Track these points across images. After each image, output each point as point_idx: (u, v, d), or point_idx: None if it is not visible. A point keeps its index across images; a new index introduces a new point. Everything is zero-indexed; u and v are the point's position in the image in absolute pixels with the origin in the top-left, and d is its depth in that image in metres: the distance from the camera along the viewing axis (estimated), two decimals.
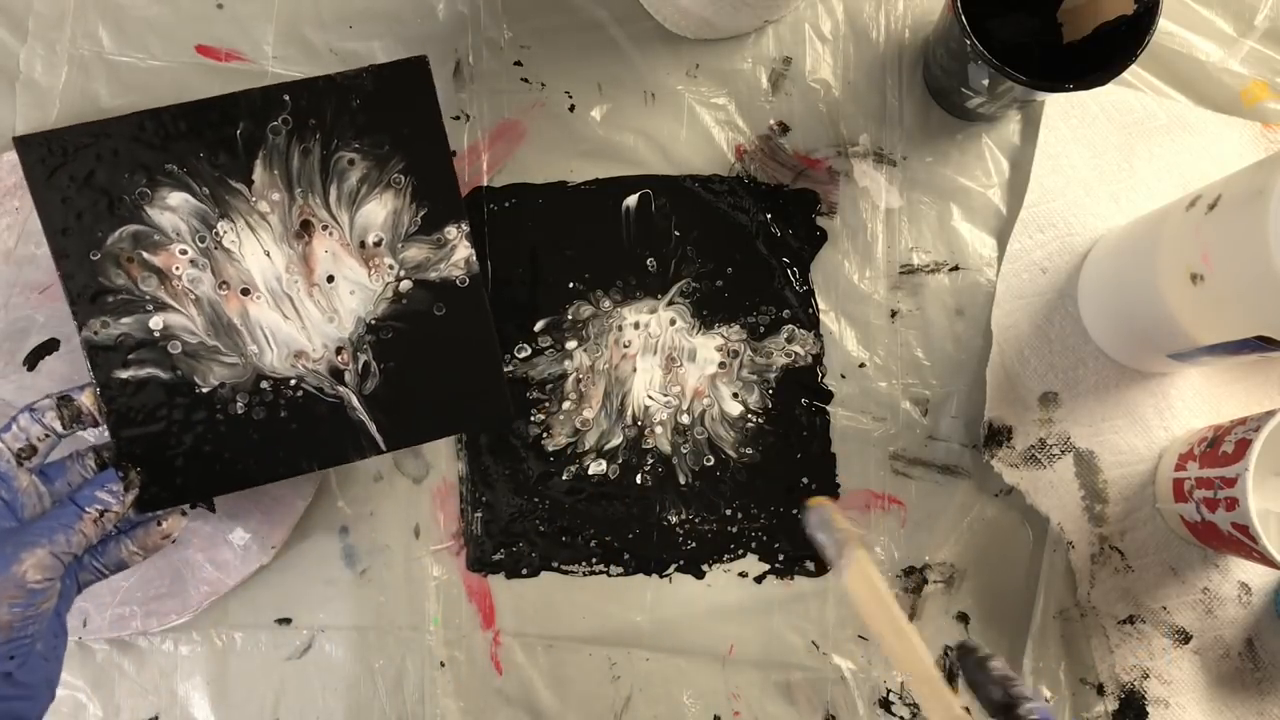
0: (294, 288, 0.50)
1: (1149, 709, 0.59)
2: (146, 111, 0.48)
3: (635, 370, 0.60)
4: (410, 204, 0.51)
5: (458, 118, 0.61)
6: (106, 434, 0.49)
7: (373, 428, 0.51)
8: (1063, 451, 0.59)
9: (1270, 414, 0.51)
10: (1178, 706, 0.59)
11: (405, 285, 0.51)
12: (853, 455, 0.60)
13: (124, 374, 0.48)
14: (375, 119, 0.50)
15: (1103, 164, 0.61)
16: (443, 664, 0.59)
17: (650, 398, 0.60)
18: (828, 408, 0.60)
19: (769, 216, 0.61)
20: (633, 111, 0.61)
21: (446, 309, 0.51)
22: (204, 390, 0.49)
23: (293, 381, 0.50)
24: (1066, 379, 0.60)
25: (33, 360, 0.58)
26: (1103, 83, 0.51)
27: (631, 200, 0.61)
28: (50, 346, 0.58)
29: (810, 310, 0.61)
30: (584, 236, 0.60)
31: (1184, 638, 0.59)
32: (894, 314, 0.61)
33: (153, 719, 0.58)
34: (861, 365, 0.61)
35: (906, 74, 0.61)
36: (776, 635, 0.59)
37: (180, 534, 0.50)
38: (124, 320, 0.48)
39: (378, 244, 0.50)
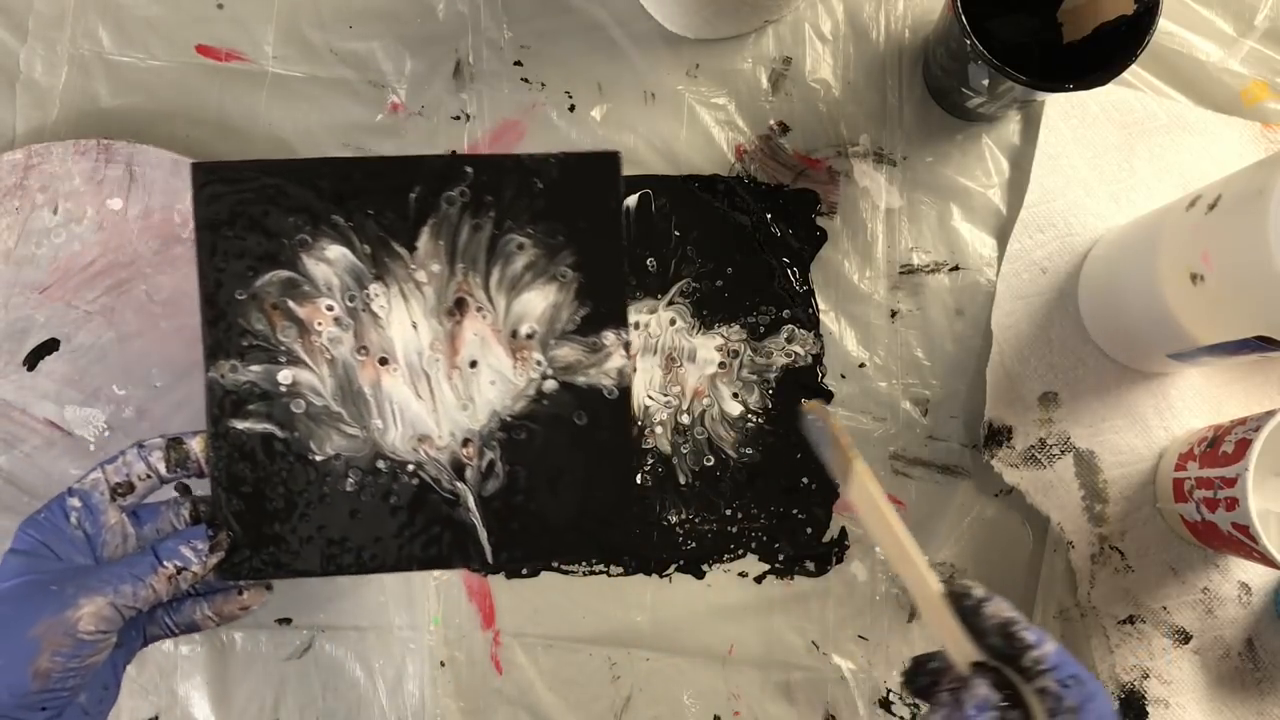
0: (434, 366, 0.47)
1: (1149, 709, 0.58)
2: (324, 159, 0.47)
3: (635, 370, 0.60)
4: (572, 300, 0.47)
5: (458, 118, 0.61)
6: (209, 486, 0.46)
7: (483, 534, 0.47)
8: (1063, 451, 0.59)
9: (1270, 414, 0.51)
10: (1178, 706, 0.59)
11: (550, 385, 0.47)
12: None
13: (240, 424, 0.46)
14: (554, 207, 0.47)
15: (1103, 164, 0.61)
16: (443, 664, 0.59)
17: (650, 398, 0.60)
18: (828, 408, 0.60)
19: (769, 216, 0.61)
20: (633, 111, 0.61)
21: (588, 419, 0.47)
22: (317, 458, 0.46)
23: (410, 466, 0.46)
24: (1066, 379, 0.60)
25: (33, 360, 0.58)
26: (1103, 83, 0.51)
27: (631, 200, 0.61)
28: (50, 346, 0.58)
29: (810, 310, 0.61)
30: None
31: (1184, 638, 0.59)
32: (894, 314, 0.61)
33: (153, 719, 0.58)
34: (861, 365, 0.61)
35: (906, 74, 0.61)
36: (776, 635, 0.59)
37: (259, 608, 0.47)
38: (253, 368, 0.46)
39: (529, 336, 0.47)
